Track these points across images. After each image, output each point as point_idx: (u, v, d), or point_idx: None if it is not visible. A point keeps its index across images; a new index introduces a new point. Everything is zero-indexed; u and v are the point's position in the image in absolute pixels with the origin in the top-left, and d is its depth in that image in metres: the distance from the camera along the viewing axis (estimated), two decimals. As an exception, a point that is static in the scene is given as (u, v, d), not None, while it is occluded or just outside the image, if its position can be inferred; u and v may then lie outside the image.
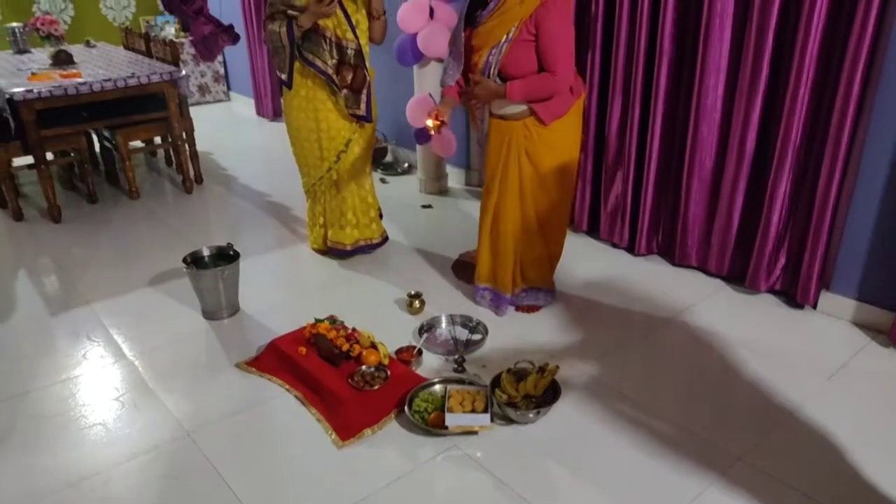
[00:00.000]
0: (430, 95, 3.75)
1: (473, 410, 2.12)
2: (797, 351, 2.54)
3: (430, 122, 2.59)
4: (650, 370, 2.47)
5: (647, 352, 2.58)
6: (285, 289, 3.21)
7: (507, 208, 2.66)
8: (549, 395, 2.19)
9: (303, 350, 2.45)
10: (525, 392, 2.18)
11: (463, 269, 3.20)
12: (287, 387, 2.37)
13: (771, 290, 2.91)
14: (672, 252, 3.20)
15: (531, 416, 2.12)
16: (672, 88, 2.95)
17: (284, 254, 3.51)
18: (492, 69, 2.48)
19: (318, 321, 2.60)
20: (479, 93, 2.52)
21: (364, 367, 2.34)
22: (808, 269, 2.70)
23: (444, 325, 2.72)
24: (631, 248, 3.34)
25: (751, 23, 2.59)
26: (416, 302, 2.84)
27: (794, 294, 2.80)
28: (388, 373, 2.31)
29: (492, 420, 2.10)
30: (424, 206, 4.08)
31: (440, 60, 3.71)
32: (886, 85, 2.37)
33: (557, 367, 2.22)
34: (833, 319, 2.72)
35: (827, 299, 2.74)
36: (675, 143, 3.03)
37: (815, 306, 2.78)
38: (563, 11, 2.40)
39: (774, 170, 2.68)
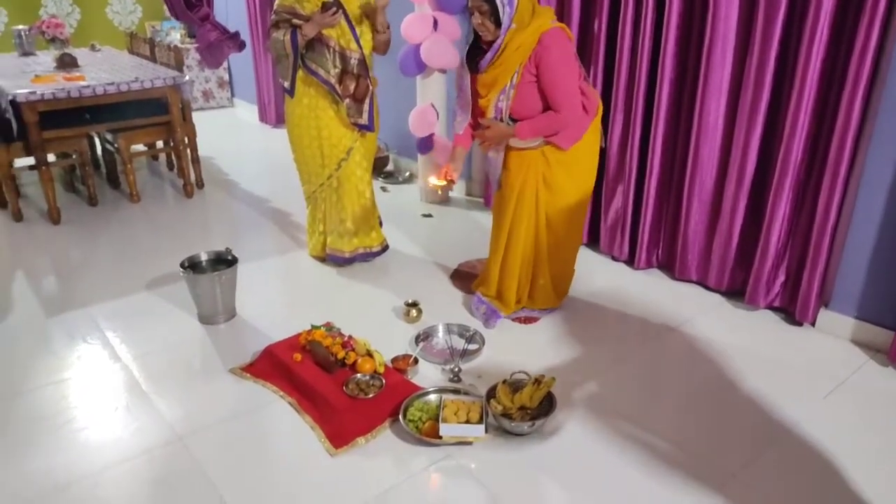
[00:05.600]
0: (433, 106, 3.76)
1: (468, 421, 2.10)
2: (795, 368, 2.52)
3: (435, 180, 2.64)
4: (647, 385, 2.46)
5: (645, 366, 2.57)
6: (282, 295, 3.20)
7: (520, 233, 2.69)
8: (544, 407, 2.17)
9: (298, 357, 2.44)
10: (520, 403, 2.16)
11: (462, 279, 3.19)
12: (281, 393, 2.36)
13: (770, 307, 2.90)
14: (672, 266, 3.19)
15: (526, 427, 2.11)
16: (674, 107, 2.96)
17: (283, 260, 3.50)
18: (503, 114, 2.52)
19: (314, 328, 2.59)
20: (490, 135, 2.57)
21: (359, 374, 2.33)
22: (807, 287, 2.69)
23: (440, 334, 2.71)
24: (631, 262, 3.33)
25: (753, 45, 2.60)
26: (414, 311, 2.83)
27: (794, 311, 2.79)
28: (383, 381, 2.29)
29: (486, 431, 2.09)
30: (425, 216, 4.08)
31: (443, 71, 3.72)
32: (887, 107, 2.37)
33: (554, 379, 2.21)
34: (832, 337, 2.71)
35: (826, 317, 2.73)
36: (676, 160, 3.03)
37: (813, 324, 2.77)
38: (561, 47, 2.42)
39: (775, 189, 2.67)
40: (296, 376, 2.37)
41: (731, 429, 2.22)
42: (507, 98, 2.48)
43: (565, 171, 2.61)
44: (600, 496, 1.92)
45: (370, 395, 2.23)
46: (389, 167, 4.81)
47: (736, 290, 3.00)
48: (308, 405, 2.28)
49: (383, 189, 4.51)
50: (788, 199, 2.68)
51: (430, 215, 4.09)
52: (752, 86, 2.64)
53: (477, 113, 2.65)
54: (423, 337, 2.68)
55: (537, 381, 2.20)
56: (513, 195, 2.66)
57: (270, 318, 2.88)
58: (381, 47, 3.02)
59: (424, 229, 3.91)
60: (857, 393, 2.39)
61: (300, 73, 2.94)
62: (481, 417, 2.11)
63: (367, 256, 3.36)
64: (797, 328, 2.79)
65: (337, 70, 2.92)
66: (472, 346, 2.62)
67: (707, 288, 3.09)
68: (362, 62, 2.94)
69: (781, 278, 2.82)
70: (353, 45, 2.90)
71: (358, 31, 2.90)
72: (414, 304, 2.84)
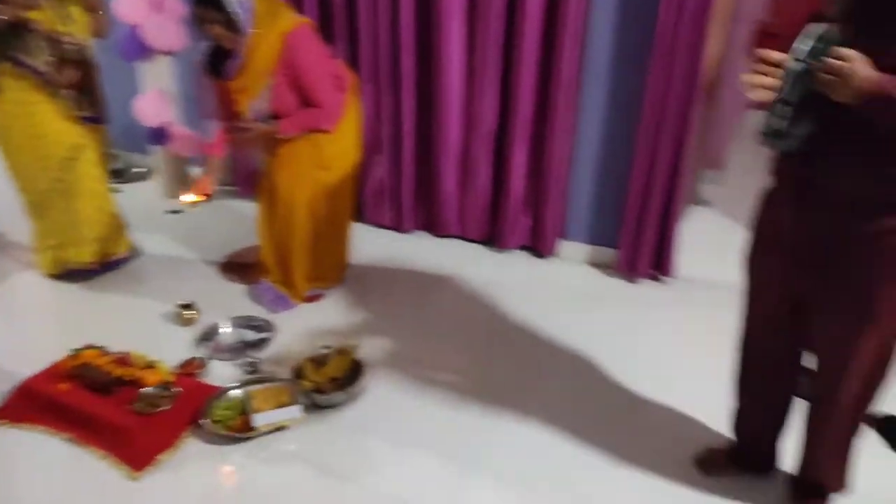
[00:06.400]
0: (162, 91, 3.47)
1: (280, 406, 2.06)
2: (549, 294, 2.94)
3: (191, 198, 2.48)
4: (434, 332, 2.65)
5: (428, 317, 2.76)
6: (19, 325, 2.73)
7: (301, 217, 2.65)
8: (353, 373, 2.23)
9: (64, 386, 2.13)
10: (329, 375, 2.19)
11: (235, 271, 3.05)
12: (53, 431, 2.05)
13: (520, 247, 3.29)
14: (434, 225, 3.43)
15: (340, 397, 2.14)
16: (418, 74, 3.13)
17: (7, 285, 2.97)
18: (261, 115, 2.47)
19: (76, 351, 2.28)
20: (250, 137, 2.50)
21: (146, 389, 2.12)
22: (547, 225, 3.12)
23: (226, 329, 2.58)
24: (397, 227, 3.49)
25: (480, 10, 2.87)
26: (189, 312, 2.64)
27: (539, 247, 3.21)
28: (177, 389, 2.12)
29: (302, 411, 2.07)
30: (172, 212, 3.76)
31: (170, 54, 3.44)
32: (592, 65, 2.84)
33: (357, 344, 2.27)
34: (572, 263, 3.19)
35: (565, 247, 3.21)
36: (427, 124, 3.23)
37: (556, 255, 3.22)
38: (308, 45, 2.44)
39: (513, 142, 3.02)
40: (68, 409, 2.07)
41: (513, 353, 2.52)
42: (265, 100, 2.45)
43: (335, 147, 2.63)
44: (421, 442, 2.05)
45: (165, 407, 2.05)
46: (117, 164, 4.31)
47: (492, 237, 3.35)
48: (91, 436, 2.01)
49: (114, 190, 4.03)
50: (525, 151, 3.05)
51: (178, 211, 3.78)
52: (484, 50, 2.92)
53: (231, 117, 2.55)
54: (208, 336, 2.52)
55: (341, 350, 2.24)
56: (285, 181, 2.61)
57: (10, 354, 2.44)
58: (100, 30, 2.69)
59: (176, 226, 3.61)
60: (600, 303, 2.87)
61: (5, 65, 2.49)
62: (293, 399, 2.09)
63: (115, 264, 3.03)
64: (544, 261, 3.23)
65: (50, 58, 2.53)
66: (264, 335, 2.55)
67: (467, 240, 3.39)
68: (79, 47, 2.59)
69: (526, 221, 3.22)
70: (66, 29, 2.54)
71: (67, 12, 2.54)
72: (187, 306, 2.65)
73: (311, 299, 2.84)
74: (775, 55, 1.34)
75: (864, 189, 1.35)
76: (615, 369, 2.40)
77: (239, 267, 3.07)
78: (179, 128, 3.60)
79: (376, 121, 3.30)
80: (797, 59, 1.30)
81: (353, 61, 3.23)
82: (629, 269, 3.01)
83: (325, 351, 2.27)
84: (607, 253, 3.11)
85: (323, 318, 2.72)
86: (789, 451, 1.88)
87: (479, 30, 2.91)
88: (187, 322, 2.62)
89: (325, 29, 3.22)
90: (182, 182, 3.93)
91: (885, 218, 1.35)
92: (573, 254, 3.20)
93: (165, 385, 2.15)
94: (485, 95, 3.00)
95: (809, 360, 1.72)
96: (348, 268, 3.03)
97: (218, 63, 2.46)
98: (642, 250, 2.93)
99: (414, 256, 3.25)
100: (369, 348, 2.47)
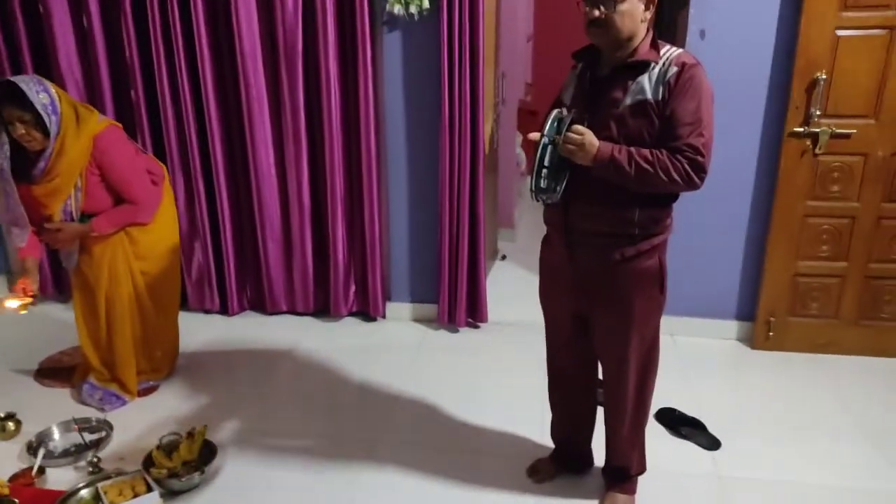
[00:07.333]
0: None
1: (137, 496, 2.05)
2: (382, 353, 3.18)
3: (15, 303, 2.43)
4: (280, 405, 2.76)
5: (271, 391, 2.86)
6: None
7: (123, 312, 2.65)
8: (206, 455, 2.26)
9: None
10: (182, 459, 2.21)
11: (52, 376, 2.90)
12: None
13: (351, 313, 3.53)
14: (263, 304, 3.54)
15: (196, 479, 2.17)
16: (229, 161, 3.32)
17: None
18: (73, 216, 2.49)
19: None
20: (63, 238, 2.49)
21: (-23, 509, 1.99)
22: (373, 289, 3.40)
23: (58, 435, 2.47)
24: (224, 311, 3.55)
25: (283, 101, 3.15)
26: (11, 423, 2.49)
27: (368, 311, 3.47)
28: (13, 501, 2.01)
29: (160, 497, 2.07)
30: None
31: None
32: (391, 141, 3.25)
33: (205, 426, 2.32)
34: (400, 322, 3.49)
35: (391, 308, 3.50)
36: (244, 207, 3.39)
37: (384, 316, 3.50)
38: (117, 145, 2.52)
39: (331, 217, 3.29)
40: None
41: (357, 411, 2.71)
42: (76, 201, 2.47)
43: (150, 237, 2.68)
44: (285, 504, 2.15)
45: (4, 523, 1.94)
46: None
47: (321, 309, 3.54)
48: (-86, 572, 1.84)
49: None
50: (343, 224, 3.33)
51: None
52: (292, 135, 3.20)
53: (38, 219, 2.52)
54: (38, 444, 2.39)
55: (190, 434, 2.28)
56: (103, 278, 2.61)
57: None
58: None
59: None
60: (429, 353, 3.18)
61: None
62: (149, 487, 2.08)
63: None
64: (374, 322, 3.49)
65: None
66: (101, 434, 2.47)
67: (298, 314, 3.55)
68: None
69: (353, 288, 3.47)
70: None
71: None
72: (9, 417, 2.50)
73: (144, 393, 2.80)
74: (534, 135, 1.77)
75: (605, 228, 1.81)
76: (452, 408, 2.68)
77: (57, 371, 2.94)
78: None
79: (191, 207, 3.40)
80: (544, 136, 1.74)
81: (161, 152, 3.32)
82: (450, 320, 3.37)
83: (173, 437, 2.29)
84: (429, 308, 3.46)
85: (162, 408, 2.70)
86: (600, 449, 2.27)
87: (284, 116, 3.18)
88: (10, 435, 2.48)
89: (128, 122, 3.28)
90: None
91: (624, 248, 1.82)
92: (400, 313, 3.50)
93: (3, 499, 2.02)
94: (300, 176, 3.26)
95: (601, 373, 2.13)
96: (179, 356, 3.03)
97: (21, 167, 2.43)
98: (458, 302, 3.31)
99: (246, 336, 3.34)
100: (216, 430, 2.52)
